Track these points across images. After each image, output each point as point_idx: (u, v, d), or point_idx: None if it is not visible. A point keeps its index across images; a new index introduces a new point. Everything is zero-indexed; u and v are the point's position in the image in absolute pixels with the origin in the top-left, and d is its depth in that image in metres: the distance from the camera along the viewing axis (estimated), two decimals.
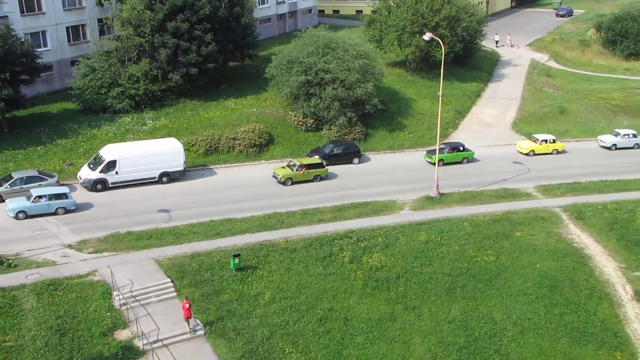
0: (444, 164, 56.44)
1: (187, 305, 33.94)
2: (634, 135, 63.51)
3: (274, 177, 52.17)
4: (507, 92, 77.63)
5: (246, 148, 56.55)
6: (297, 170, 51.91)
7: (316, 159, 54.06)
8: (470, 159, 58.55)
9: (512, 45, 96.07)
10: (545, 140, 61.31)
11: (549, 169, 57.75)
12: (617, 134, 63.75)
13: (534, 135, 62.76)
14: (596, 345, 36.88)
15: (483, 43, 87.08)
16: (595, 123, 69.46)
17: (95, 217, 44.72)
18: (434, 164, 53.61)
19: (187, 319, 34.11)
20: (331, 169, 55.41)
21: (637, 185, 54.03)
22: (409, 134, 63.51)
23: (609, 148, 63.11)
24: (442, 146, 56.98)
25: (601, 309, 39.60)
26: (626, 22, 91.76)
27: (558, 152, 61.52)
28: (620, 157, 61.21)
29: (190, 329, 34.21)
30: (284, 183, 51.50)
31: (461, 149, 58.31)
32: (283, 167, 53.02)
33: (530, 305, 39.18)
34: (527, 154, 60.80)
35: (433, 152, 56.02)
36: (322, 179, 53.11)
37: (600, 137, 64.42)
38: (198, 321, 35.05)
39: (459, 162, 57.86)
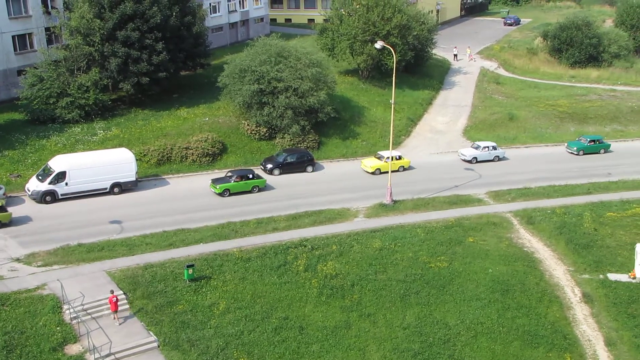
0: (231, 194, 51.30)
1: (114, 299, 34.70)
2: (494, 148, 62.53)
3: None
4: (458, 99, 78.78)
5: (199, 157, 56.19)
6: None
7: None
8: (262, 187, 52.74)
9: (471, 59, 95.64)
10: (391, 157, 56.27)
11: (499, 174, 58.76)
12: (477, 147, 62.41)
13: (379, 153, 59.41)
14: (547, 347, 37.57)
15: (435, 52, 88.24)
16: (543, 129, 70.98)
17: (44, 230, 43.82)
18: (219, 194, 50.83)
19: (114, 312, 34.92)
20: (285, 177, 55.45)
21: (584, 190, 55.36)
22: (362, 141, 63.92)
23: (469, 161, 61.46)
24: (230, 174, 52.29)
25: (551, 312, 40.37)
26: (571, 31, 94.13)
27: (405, 169, 58.69)
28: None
29: (118, 322, 35.09)
30: None
31: (250, 176, 52.12)
32: None
33: (483, 309, 39.71)
34: (372, 173, 57.42)
35: (218, 180, 51.84)
36: (3, 225, 43.62)
37: (461, 150, 63.08)
38: (151, 333, 34.64)
39: (249, 192, 52.01)
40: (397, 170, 57.93)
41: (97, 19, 58.52)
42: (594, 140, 65.59)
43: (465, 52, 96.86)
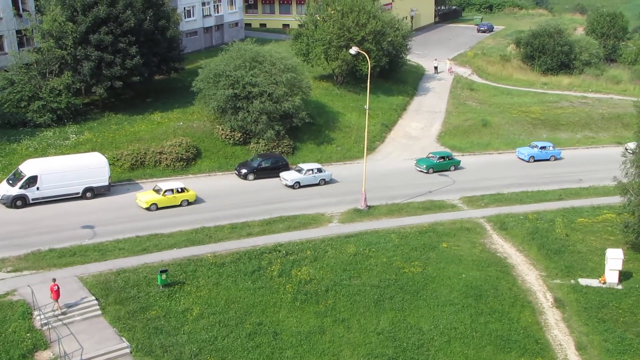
0: None
1: (55, 288, 34.80)
2: (319, 170, 55.86)
3: None
4: (432, 105, 79.27)
5: (173, 162, 55.87)
6: None
7: None
8: None
9: (451, 72, 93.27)
10: (171, 190, 49.03)
11: (472, 180, 59.18)
12: (300, 170, 55.64)
13: (158, 185, 50.16)
14: (519, 352, 37.87)
15: (410, 58, 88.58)
16: (516, 136, 71.66)
17: (15, 235, 43.20)
18: None
19: (56, 300, 35.02)
20: (259, 182, 55.31)
21: (555, 196, 55.97)
22: (337, 147, 64.04)
23: (292, 187, 54.61)
24: None
25: (524, 317, 40.72)
26: (543, 38, 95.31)
27: (189, 203, 49.90)
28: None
29: (59, 310, 35.18)
30: None
31: None
32: None
33: (456, 314, 39.93)
34: (147, 209, 48.40)
35: None
36: None
37: (282, 174, 55.74)
38: (124, 339, 34.30)
39: None
40: (180, 205, 49.64)
41: (70, 22, 57.94)
42: (443, 157, 61.49)
43: (446, 64, 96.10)
